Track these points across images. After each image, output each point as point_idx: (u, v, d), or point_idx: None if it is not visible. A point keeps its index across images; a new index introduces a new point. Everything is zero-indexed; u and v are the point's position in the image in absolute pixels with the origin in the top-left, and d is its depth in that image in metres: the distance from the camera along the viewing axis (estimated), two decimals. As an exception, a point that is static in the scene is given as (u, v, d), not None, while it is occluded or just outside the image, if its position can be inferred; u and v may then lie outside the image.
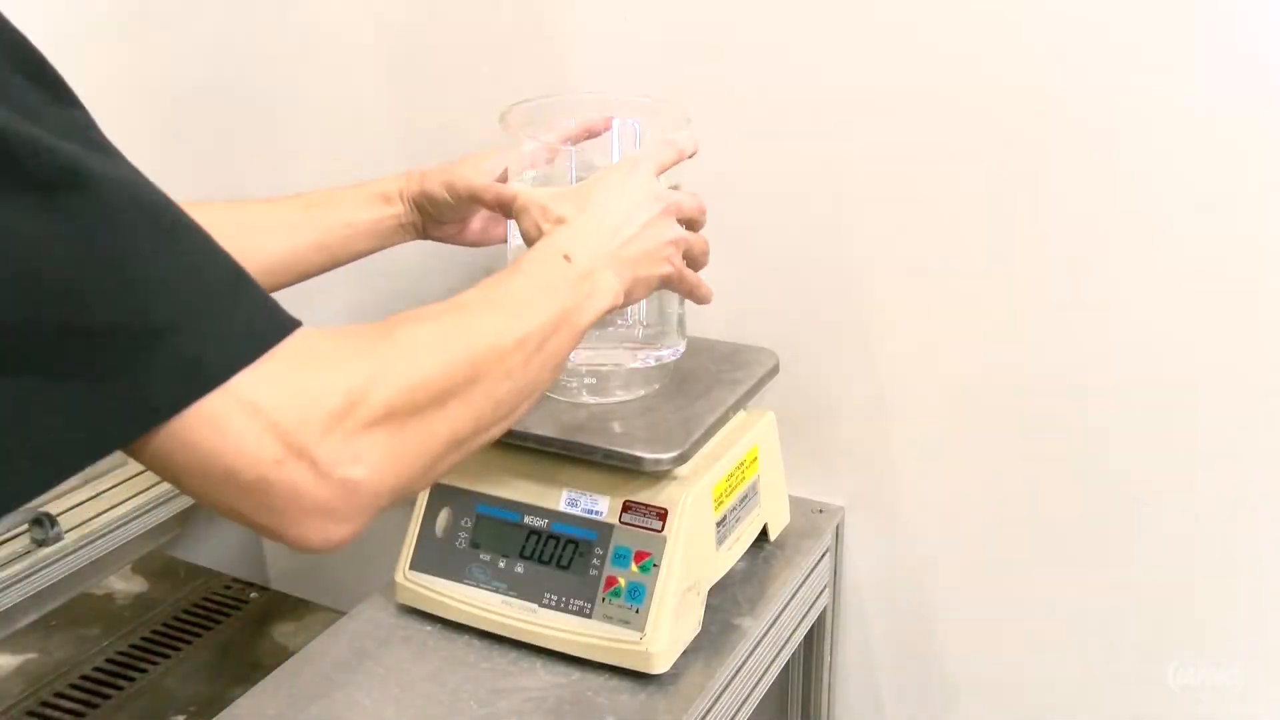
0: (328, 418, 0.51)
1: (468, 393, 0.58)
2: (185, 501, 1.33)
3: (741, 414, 0.92)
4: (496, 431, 0.62)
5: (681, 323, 0.89)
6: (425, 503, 0.90)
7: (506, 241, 0.89)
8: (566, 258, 0.68)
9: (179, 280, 0.48)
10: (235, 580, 1.42)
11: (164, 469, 0.49)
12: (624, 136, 0.85)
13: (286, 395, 0.50)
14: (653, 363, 0.88)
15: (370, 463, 0.52)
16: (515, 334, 0.61)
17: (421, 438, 0.55)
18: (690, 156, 0.80)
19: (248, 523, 0.51)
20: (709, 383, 0.91)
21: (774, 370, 0.96)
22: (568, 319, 0.65)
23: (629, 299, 0.72)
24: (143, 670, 1.26)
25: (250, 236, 0.86)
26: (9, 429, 0.44)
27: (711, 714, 0.84)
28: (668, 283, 0.76)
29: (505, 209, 0.79)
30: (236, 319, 0.50)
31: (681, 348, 0.90)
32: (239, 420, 0.48)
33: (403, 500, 0.57)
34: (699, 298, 0.81)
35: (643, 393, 0.89)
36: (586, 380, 0.89)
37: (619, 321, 0.86)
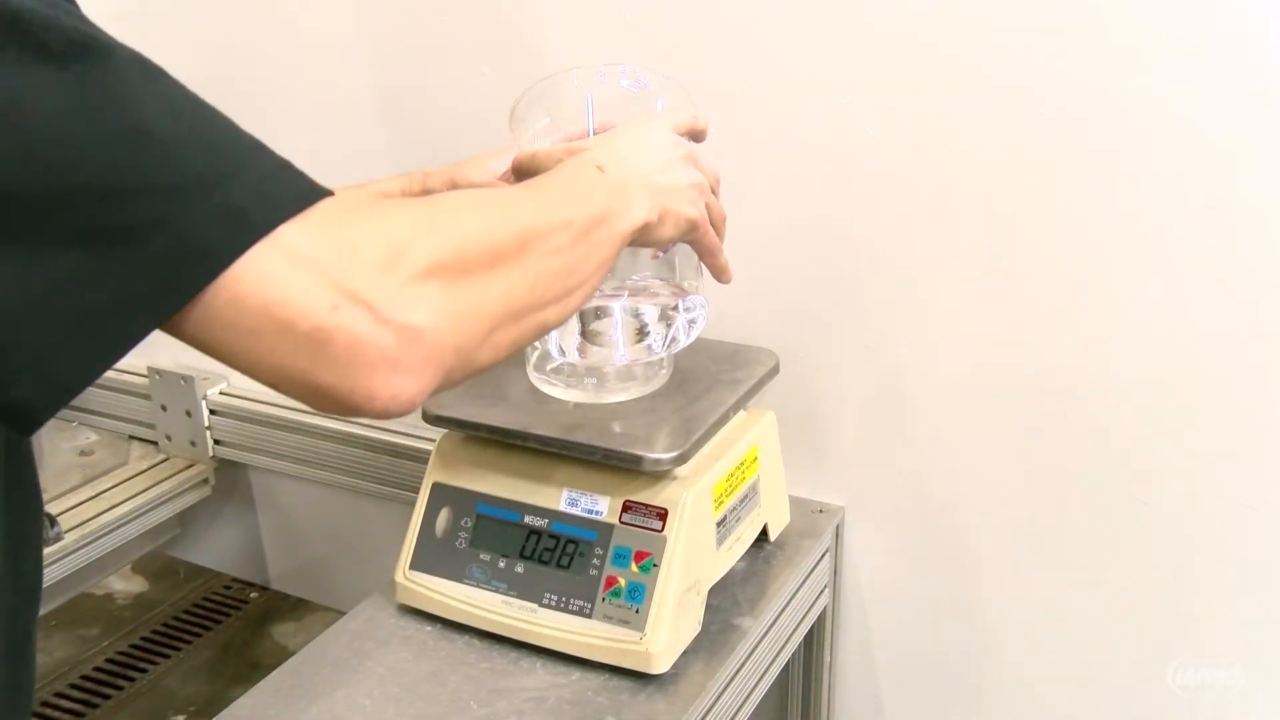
0: (378, 265, 0.49)
1: (517, 260, 0.56)
2: (185, 501, 1.34)
3: (742, 414, 0.92)
4: (552, 315, 0.59)
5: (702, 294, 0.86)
6: (425, 503, 0.90)
7: None
8: (600, 168, 0.67)
9: (206, 142, 0.48)
10: (235, 580, 1.42)
11: (214, 337, 0.47)
12: (640, 96, 0.84)
13: (333, 244, 0.49)
14: (680, 339, 0.85)
15: (429, 310, 0.50)
16: (558, 216, 0.60)
17: (476, 297, 0.53)
18: (703, 131, 0.79)
19: (311, 386, 0.49)
20: (709, 383, 0.91)
21: (774, 370, 0.96)
22: (607, 219, 0.63)
23: (660, 227, 0.69)
24: (143, 670, 1.26)
25: None
26: (66, 304, 0.44)
27: (711, 714, 0.84)
28: (694, 230, 0.73)
29: (521, 171, 0.77)
30: (270, 177, 0.49)
31: (705, 316, 0.86)
32: (289, 269, 0.47)
33: (465, 376, 0.54)
34: (719, 268, 0.79)
35: (644, 392, 0.89)
36: (587, 380, 0.89)
37: (634, 278, 0.83)
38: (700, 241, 0.75)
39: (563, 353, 0.86)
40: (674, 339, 0.86)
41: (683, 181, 0.72)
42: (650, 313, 0.86)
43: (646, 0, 0.98)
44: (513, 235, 0.56)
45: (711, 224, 0.76)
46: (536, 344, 0.88)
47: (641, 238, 0.68)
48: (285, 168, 0.50)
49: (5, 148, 0.42)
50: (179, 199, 0.45)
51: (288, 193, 0.49)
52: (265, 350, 0.48)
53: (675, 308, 0.85)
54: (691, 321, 0.86)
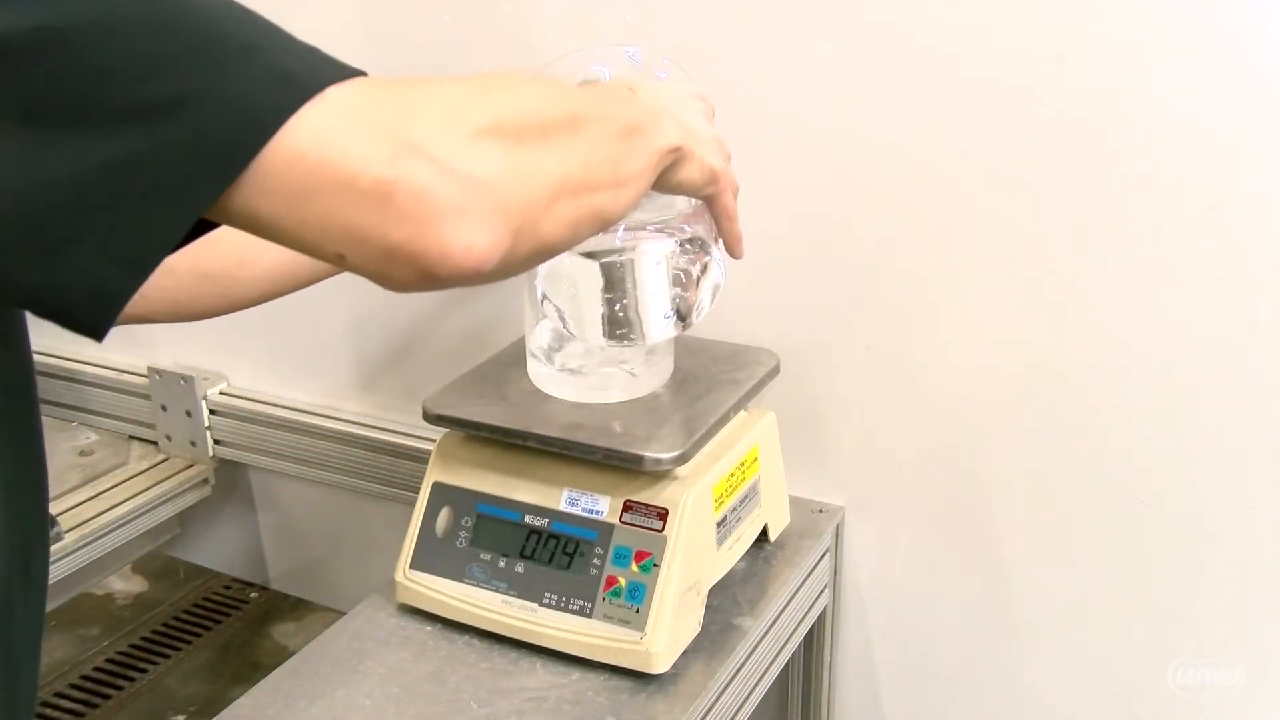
0: (434, 121, 0.48)
1: (568, 135, 0.54)
2: (185, 501, 1.34)
3: (742, 414, 0.92)
4: (607, 201, 0.57)
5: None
6: (425, 502, 0.90)
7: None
8: (631, 90, 0.65)
9: (241, 18, 0.47)
10: (235, 580, 1.42)
11: (275, 206, 0.46)
12: (644, 68, 0.83)
13: (386, 103, 0.48)
14: (705, 303, 0.83)
15: (490, 164, 0.49)
16: (600, 110, 0.58)
17: (533, 161, 0.52)
18: (711, 111, 0.77)
19: (381, 247, 0.47)
20: (709, 383, 0.91)
21: (774, 370, 0.96)
22: (643, 129, 0.61)
23: (689, 163, 0.66)
24: (143, 670, 1.26)
25: (253, 244, 0.86)
26: (124, 184, 0.44)
27: (711, 714, 0.84)
28: (716, 182, 0.70)
29: None
30: (309, 50, 0.48)
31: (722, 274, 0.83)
32: (344, 125, 0.46)
33: (532, 250, 0.52)
34: (735, 236, 0.76)
35: (645, 391, 0.89)
36: (587, 378, 0.89)
37: (651, 226, 0.80)
38: (719, 200, 0.73)
39: (574, 332, 0.84)
40: (700, 308, 0.83)
41: (707, 131, 0.70)
42: (660, 284, 0.82)
43: (646, 0, 0.98)
44: (561, 113, 0.55)
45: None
46: (548, 314, 0.85)
47: (671, 173, 0.65)
48: (317, 49, 0.49)
49: (47, 30, 0.42)
50: (224, 66, 0.45)
51: (328, 62, 0.48)
52: (329, 212, 0.46)
53: (701, 245, 0.81)
54: (719, 267, 0.83)
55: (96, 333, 0.46)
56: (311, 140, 0.46)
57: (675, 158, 0.65)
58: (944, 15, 0.87)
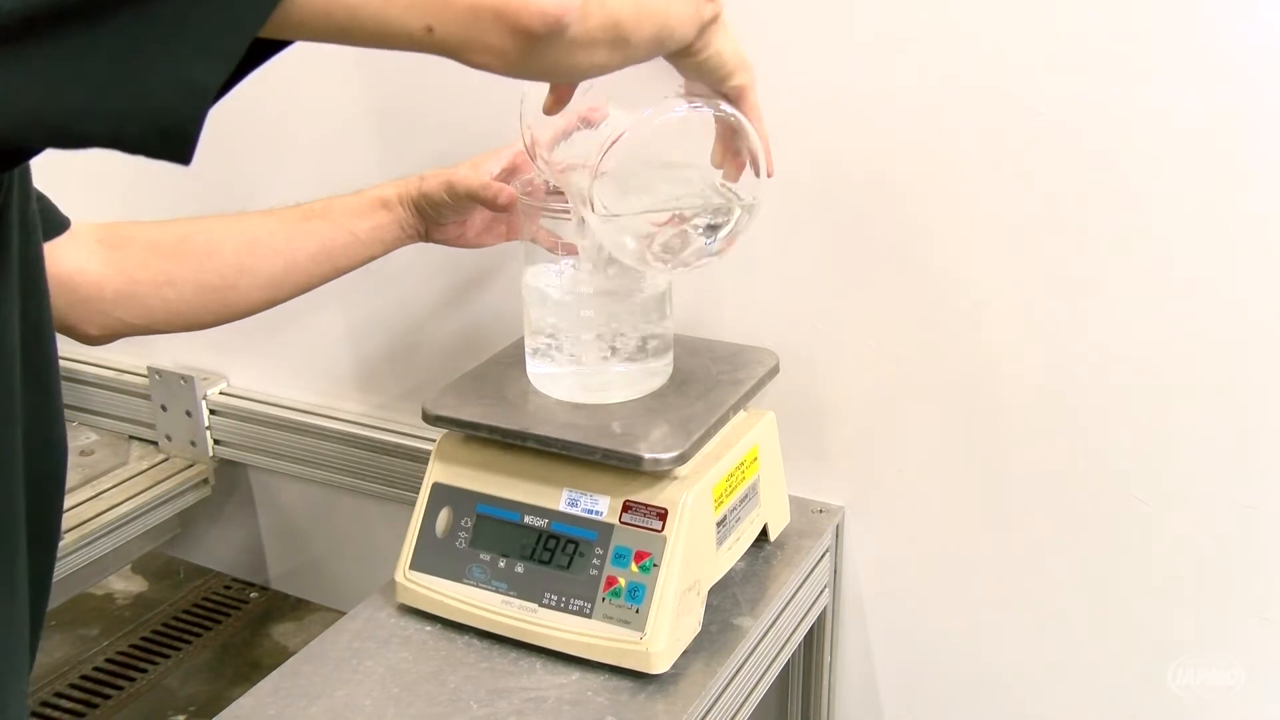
0: None
1: None
2: (185, 501, 1.34)
3: (742, 414, 0.92)
4: (654, 30, 0.59)
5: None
6: (425, 503, 0.90)
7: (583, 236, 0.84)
8: None
9: None
10: (235, 580, 1.42)
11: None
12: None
13: None
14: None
15: None
16: None
17: None
18: None
19: (464, 9, 0.49)
20: (709, 383, 0.91)
21: (774, 370, 0.96)
22: None
23: (725, 34, 0.66)
24: (143, 670, 1.26)
25: (253, 250, 0.87)
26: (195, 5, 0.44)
27: (711, 714, 0.84)
28: (747, 69, 0.70)
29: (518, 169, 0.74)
30: None
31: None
32: None
33: (603, 18, 0.54)
34: (765, 140, 0.74)
35: (644, 391, 0.89)
36: (587, 378, 0.89)
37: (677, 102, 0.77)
38: (748, 96, 0.71)
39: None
40: (738, 223, 0.78)
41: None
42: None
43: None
44: None
45: None
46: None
47: (708, 37, 0.65)
48: None
49: None
50: None
51: None
52: None
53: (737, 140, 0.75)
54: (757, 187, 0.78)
55: (187, 142, 0.46)
56: None
57: (714, 14, 0.65)
58: (945, 20, 0.87)
